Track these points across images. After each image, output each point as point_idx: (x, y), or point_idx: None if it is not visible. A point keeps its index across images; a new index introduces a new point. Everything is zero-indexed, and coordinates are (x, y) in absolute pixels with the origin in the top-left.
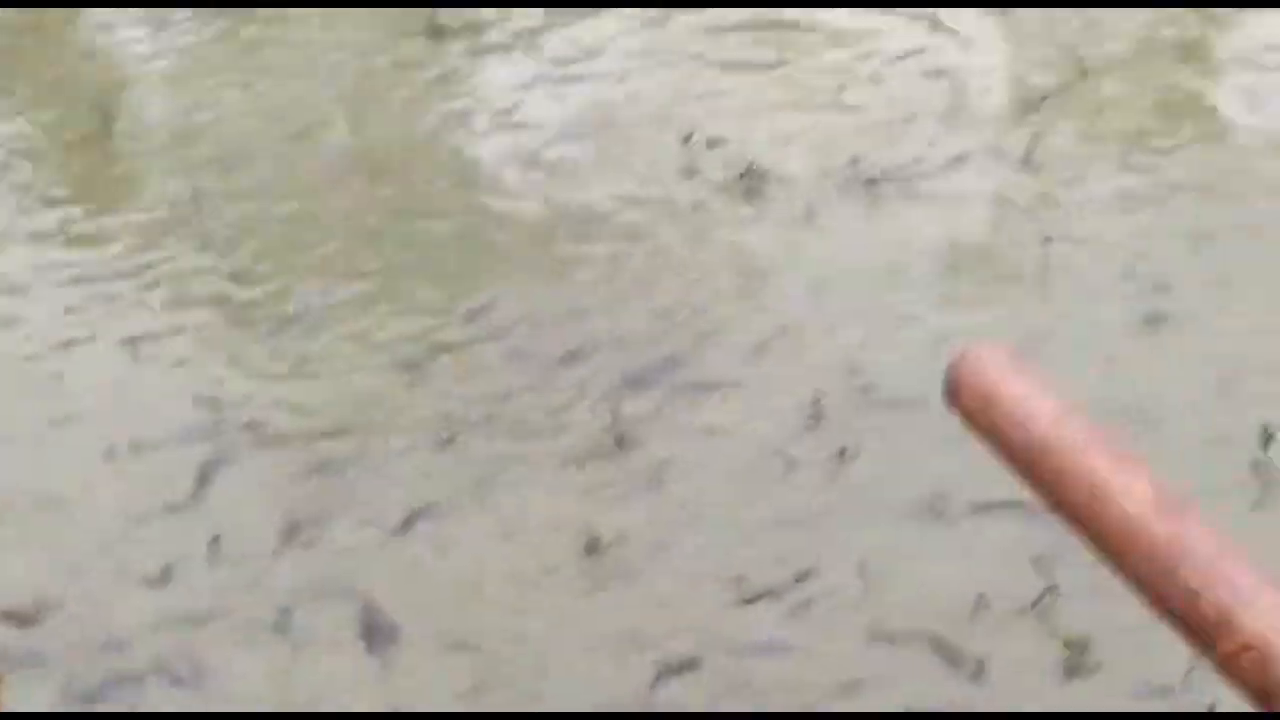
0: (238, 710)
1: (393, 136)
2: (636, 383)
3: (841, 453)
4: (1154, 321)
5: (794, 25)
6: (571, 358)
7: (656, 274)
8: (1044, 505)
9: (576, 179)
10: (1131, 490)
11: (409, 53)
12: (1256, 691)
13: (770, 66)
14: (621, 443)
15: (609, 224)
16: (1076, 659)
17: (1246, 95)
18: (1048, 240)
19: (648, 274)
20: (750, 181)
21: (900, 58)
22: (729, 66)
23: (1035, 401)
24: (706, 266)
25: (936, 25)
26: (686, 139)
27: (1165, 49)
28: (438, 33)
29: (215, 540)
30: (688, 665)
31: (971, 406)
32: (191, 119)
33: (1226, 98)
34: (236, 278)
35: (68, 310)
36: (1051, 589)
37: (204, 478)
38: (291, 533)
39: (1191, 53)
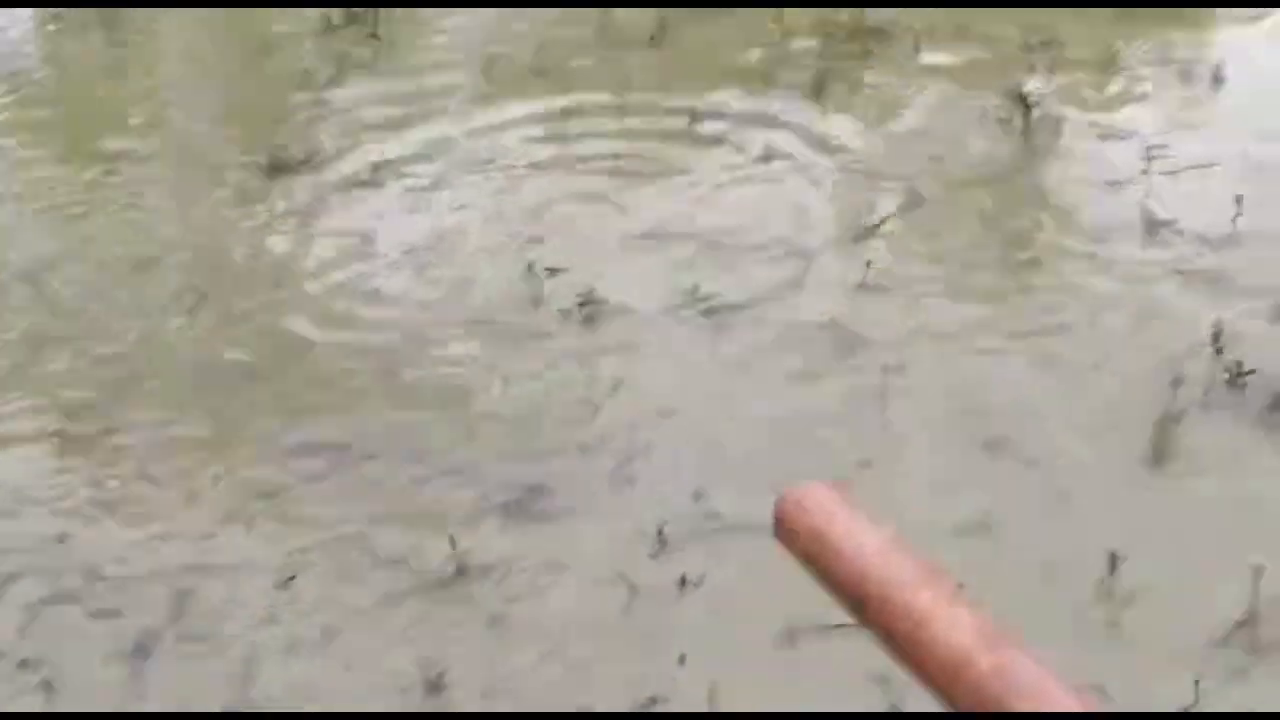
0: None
1: (231, 269)
2: (478, 513)
3: (683, 580)
4: (992, 446)
5: (633, 145)
6: (412, 489)
7: (497, 404)
8: (875, 641)
9: (416, 308)
10: (957, 622)
11: (248, 185)
12: None
13: (612, 187)
14: (463, 574)
15: (451, 354)
16: None
17: (1074, 221)
18: (886, 367)
19: (489, 404)
20: (592, 310)
21: (742, 180)
22: (570, 187)
23: (861, 537)
24: (548, 396)
25: (775, 150)
26: (529, 266)
27: (998, 176)
28: (277, 164)
29: (48, 684)
30: None
31: (800, 543)
32: (26, 252)
33: (1057, 223)
34: (70, 415)
35: None
36: (895, 711)
37: (34, 619)
38: (131, 676)
39: (1021, 181)
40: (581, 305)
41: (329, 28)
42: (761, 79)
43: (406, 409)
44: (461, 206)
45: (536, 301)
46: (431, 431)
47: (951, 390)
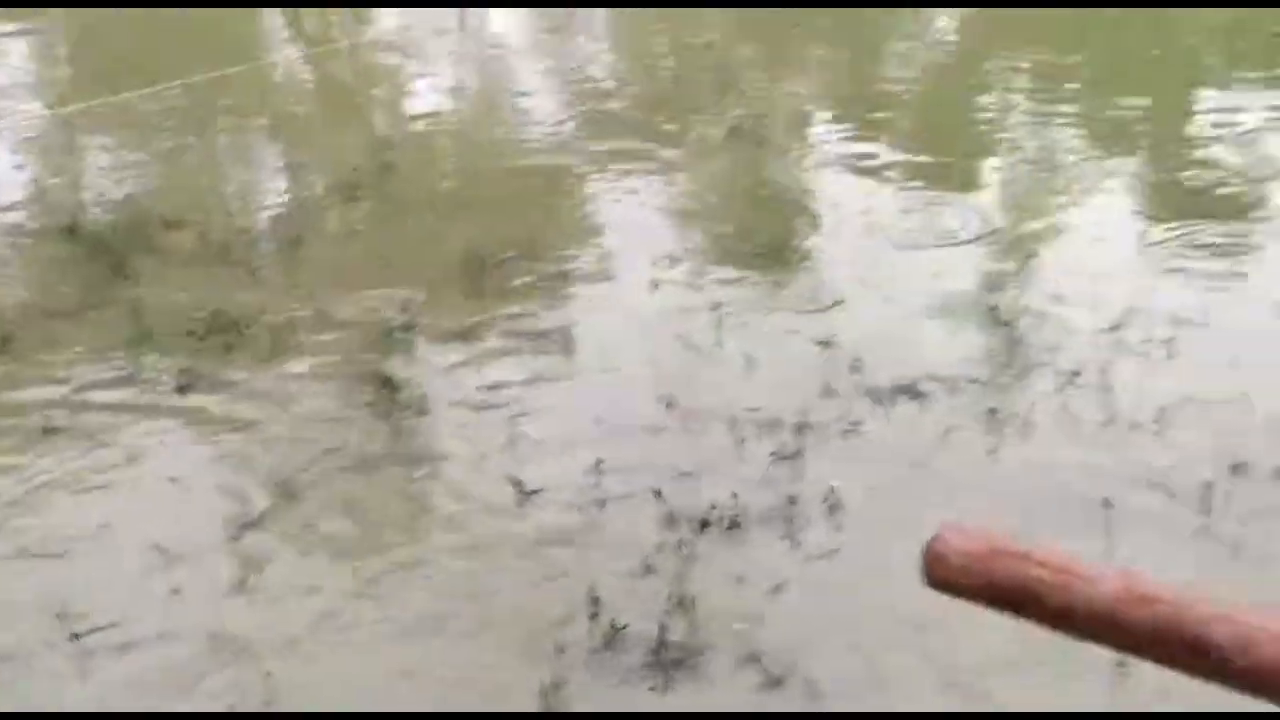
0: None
1: None
2: None
3: None
4: None
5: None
6: None
7: None
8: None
9: None
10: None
11: None
12: None
13: None
14: None
15: None
16: None
17: (445, 497)
18: (270, 674)
19: None
20: None
21: (104, 485)
22: None
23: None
24: None
25: (139, 452)
26: None
27: (369, 462)
28: None
29: None
30: None
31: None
32: None
33: (427, 505)
34: None
35: None
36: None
37: None
38: None
39: (391, 464)
40: None
41: None
42: (125, 382)
43: None
44: None
45: None
46: None
47: (348, 689)
